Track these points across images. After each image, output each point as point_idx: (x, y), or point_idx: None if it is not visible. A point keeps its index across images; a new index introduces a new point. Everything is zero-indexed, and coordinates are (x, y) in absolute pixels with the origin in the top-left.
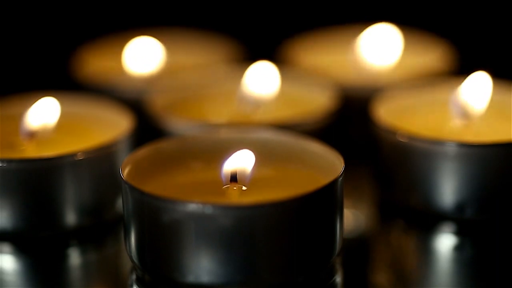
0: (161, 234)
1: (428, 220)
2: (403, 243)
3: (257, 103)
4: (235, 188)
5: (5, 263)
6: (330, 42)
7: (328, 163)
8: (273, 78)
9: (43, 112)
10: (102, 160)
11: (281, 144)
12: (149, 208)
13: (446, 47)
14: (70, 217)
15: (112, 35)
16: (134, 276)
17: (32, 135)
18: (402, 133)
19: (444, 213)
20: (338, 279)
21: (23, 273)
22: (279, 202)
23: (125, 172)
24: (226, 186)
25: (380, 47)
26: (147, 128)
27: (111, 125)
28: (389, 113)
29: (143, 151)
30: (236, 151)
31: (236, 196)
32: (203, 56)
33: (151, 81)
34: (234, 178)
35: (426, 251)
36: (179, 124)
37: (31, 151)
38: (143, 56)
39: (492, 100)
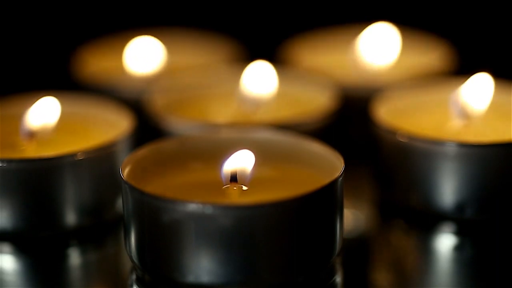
0: (161, 234)
1: (428, 220)
2: (403, 243)
3: (257, 103)
4: (235, 188)
5: (5, 263)
6: (330, 42)
7: (328, 163)
8: (271, 78)
9: (43, 112)
10: (102, 160)
11: (281, 144)
12: (149, 208)
13: (446, 47)
14: (70, 217)
15: (112, 35)
16: (134, 276)
17: (32, 135)
18: (402, 133)
19: (444, 213)
20: (338, 279)
21: (23, 273)
22: (279, 202)
23: (125, 172)
24: (226, 186)
25: (380, 47)
26: (147, 128)
27: (111, 125)
28: (389, 113)
29: (143, 151)
30: (236, 151)
31: (236, 196)
32: (203, 56)
33: (151, 81)
34: (234, 178)
35: (426, 251)
36: (179, 124)
37: (31, 151)
38: (143, 56)
39: (492, 100)
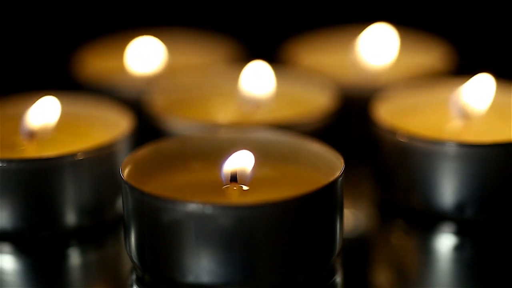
0: (161, 234)
1: (428, 220)
2: (403, 243)
3: (257, 103)
4: (235, 188)
5: (5, 263)
6: (330, 42)
7: (328, 163)
8: (270, 78)
9: (43, 112)
10: (102, 160)
11: (281, 144)
12: (149, 208)
13: (445, 47)
14: (70, 217)
15: (113, 35)
16: (134, 276)
17: (32, 135)
18: (402, 133)
19: (444, 213)
20: (338, 279)
21: (23, 273)
22: (279, 202)
23: (125, 172)
24: (226, 186)
25: (380, 47)
26: (147, 128)
27: (111, 125)
28: (389, 113)
29: (143, 151)
30: (236, 151)
31: (236, 196)
32: (203, 56)
33: (151, 81)
34: (234, 178)
35: (426, 251)
36: (179, 124)
37: (31, 151)
38: (143, 56)
39: (492, 100)
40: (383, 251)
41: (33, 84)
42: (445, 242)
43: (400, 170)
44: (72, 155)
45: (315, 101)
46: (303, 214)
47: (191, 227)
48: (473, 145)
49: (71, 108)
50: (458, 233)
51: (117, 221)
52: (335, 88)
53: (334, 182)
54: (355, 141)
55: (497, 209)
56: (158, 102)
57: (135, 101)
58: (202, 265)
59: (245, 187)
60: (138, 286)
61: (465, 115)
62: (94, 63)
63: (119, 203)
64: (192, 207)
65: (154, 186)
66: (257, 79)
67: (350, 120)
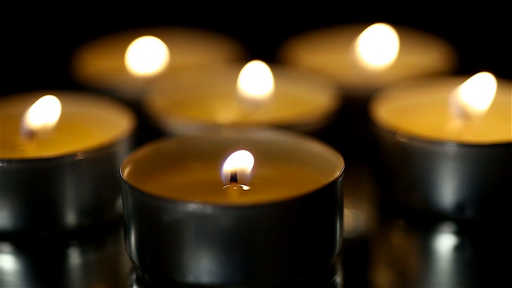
0: (161, 234)
1: (428, 220)
2: (403, 243)
3: (257, 103)
4: (235, 188)
5: (5, 263)
6: (330, 42)
7: (328, 163)
8: (270, 78)
9: (43, 112)
10: (102, 160)
11: (281, 144)
12: (149, 208)
13: (445, 47)
14: (70, 217)
15: (113, 35)
16: (134, 276)
17: (32, 135)
18: (402, 133)
19: (444, 213)
20: (338, 279)
21: (23, 273)
22: (279, 202)
23: (125, 172)
24: (226, 186)
25: (380, 47)
26: (147, 128)
27: (111, 125)
28: (389, 113)
29: (143, 151)
30: (236, 151)
31: (236, 196)
32: (203, 56)
33: (151, 81)
34: (234, 178)
35: (426, 251)
36: (179, 124)
37: (31, 151)
38: (143, 56)
39: (492, 100)
40: (383, 251)
41: (33, 84)
42: (445, 242)
43: (400, 170)
44: (72, 155)
45: (315, 101)
46: (303, 214)
47: (191, 227)
48: (473, 145)
49: (71, 108)
50: (458, 233)
51: (117, 221)
52: (335, 88)
53: (334, 182)
54: (355, 141)
55: (497, 209)
56: (158, 102)
57: (135, 101)
58: (202, 265)
59: (245, 187)
60: (138, 286)
61: (465, 115)
62: (94, 63)
63: (119, 203)
64: (192, 207)
65: (154, 186)
66: (257, 79)
67: (350, 120)
